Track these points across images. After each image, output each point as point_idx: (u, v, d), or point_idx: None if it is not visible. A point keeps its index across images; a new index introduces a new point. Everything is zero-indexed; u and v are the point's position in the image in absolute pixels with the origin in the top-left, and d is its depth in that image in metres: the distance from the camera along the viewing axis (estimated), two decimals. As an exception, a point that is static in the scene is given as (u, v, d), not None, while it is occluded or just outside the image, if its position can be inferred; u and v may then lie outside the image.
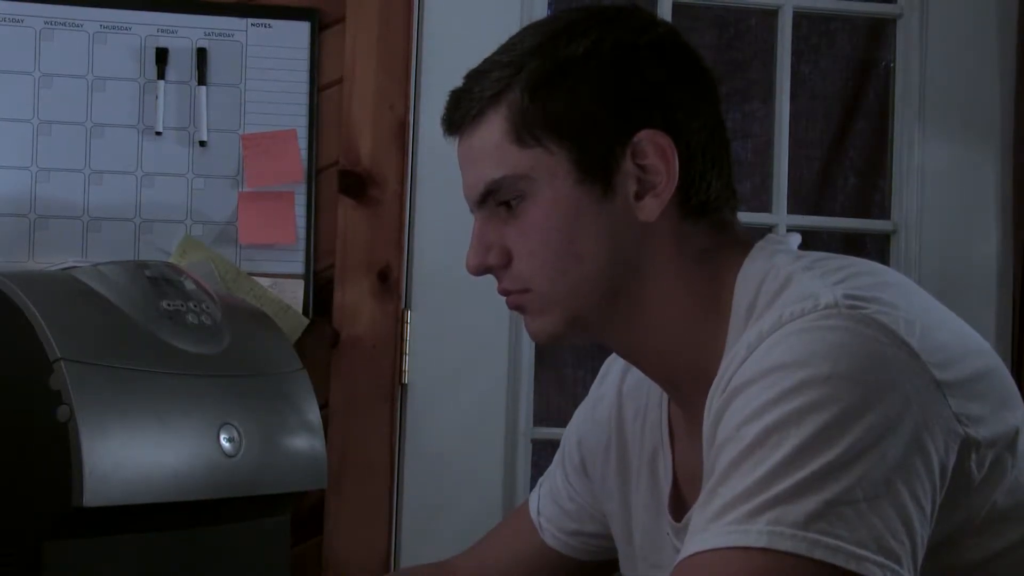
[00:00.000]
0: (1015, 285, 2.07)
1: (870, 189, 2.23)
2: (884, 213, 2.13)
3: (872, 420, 0.89)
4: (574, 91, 1.06)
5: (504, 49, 1.10)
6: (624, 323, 1.10)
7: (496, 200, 1.09)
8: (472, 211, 1.13)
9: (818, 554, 0.86)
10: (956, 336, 1.01)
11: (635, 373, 1.25)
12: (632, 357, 1.15)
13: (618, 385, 1.28)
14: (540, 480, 1.41)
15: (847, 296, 0.96)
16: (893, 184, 2.11)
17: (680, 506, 1.16)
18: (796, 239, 1.14)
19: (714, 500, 0.91)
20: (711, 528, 0.90)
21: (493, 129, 1.08)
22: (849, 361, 0.91)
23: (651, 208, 1.06)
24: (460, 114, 1.11)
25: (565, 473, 1.36)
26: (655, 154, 1.06)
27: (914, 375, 0.93)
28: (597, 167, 1.06)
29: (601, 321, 1.10)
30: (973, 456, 0.94)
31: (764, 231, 1.15)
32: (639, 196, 1.06)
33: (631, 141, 1.05)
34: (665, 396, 1.19)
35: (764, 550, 0.86)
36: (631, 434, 1.24)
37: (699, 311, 1.08)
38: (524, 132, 1.06)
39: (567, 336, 1.12)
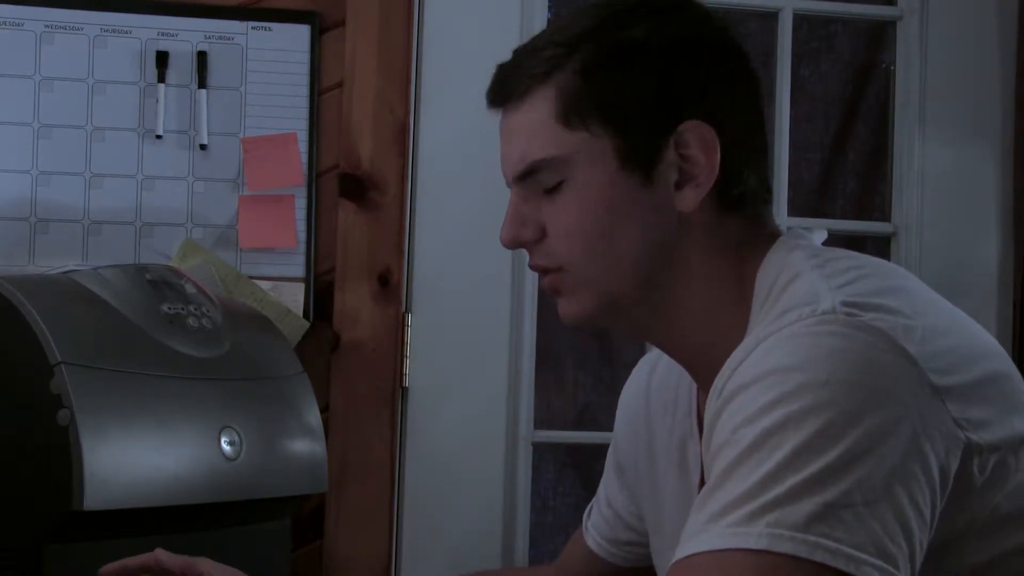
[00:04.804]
0: (1015, 287, 2.07)
1: (870, 191, 2.23)
2: (884, 215, 2.13)
3: (869, 425, 0.89)
4: (625, 78, 1.07)
5: (557, 29, 1.11)
6: (654, 312, 1.11)
7: (537, 182, 1.10)
8: (508, 184, 1.14)
9: (818, 556, 0.86)
10: (964, 340, 1.01)
11: (662, 370, 1.27)
12: (662, 346, 1.17)
13: (646, 384, 1.30)
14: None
15: (846, 303, 0.96)
16: (893, 186, 2.11)
17: None
18: (821, 236, 1.14)
19: (711, 502, 0.91)
20: (710, 529, 0.90)
21: (540, 107, 1.08)
22: (846, 366, 0.92)
23: (690, 199, 1.07)
24: (507, 89, 1.11)
25: (608, 477, 1.39)
26: (698, 145, 1.06)
27: (910, 381, 0.93)
28: (639, 155, 1.07)
29: (632, 308, 1.11)
30: (975, 461, 0.94)
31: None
32: (679, 186, 1.07)
33: (675, 131, 1.06)
34: (694, 386, 1.20)
35: (764, 552, 0.87)
36: (660, 428, 1.26)
37: (726, 304, 1.09)
38: (572, 114, 1.07)
39: (598, 319, 1.13)
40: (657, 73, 1.07)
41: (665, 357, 1.24)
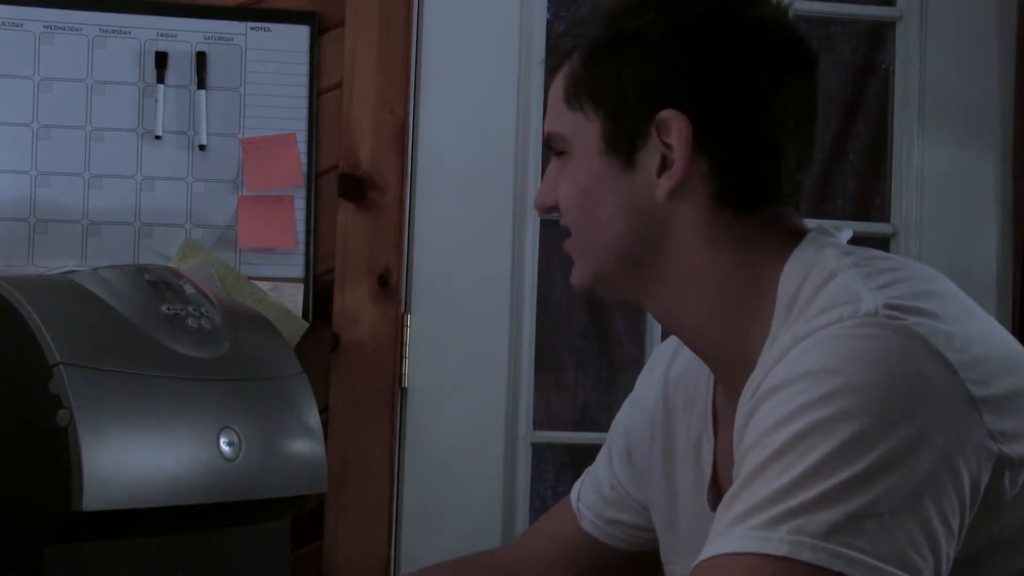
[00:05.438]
0: (1015, 288, 2.07)
1: (870, 191, 2.23)
2: (884, 216, 2.13)
3: (903, 434, 0.88)
4: (618, 66, 1.09)
5: (594, 7, 1.15)
6: (651, 294, 1.13)
7: (554, 151, 1.16)
8: None
9: (838, 566, 0.85)
10: (999, 350, 0.99)
11: (681, 362, 1.26)
12: (670, 329, 1.18)
13: (664, 373, 1.29)
14: (587, 469, 1.43)
15: (888, 305, 0.95)
16: (893, 187, 2.11)
17: (717, 495, 1.15)
18: (847, 234, 1.13)
19: (737, 503, 0.90)
20: (733, 531, 0.89)
21: (558, 84, 1.13)
22: (884, 372, 0.90)
23: (663, 187, 1.07)
24: (549, 61, 1.17)
25: (611, 461, 1.37)
26: (676, 135, 1.06)
27: (949, 390, 0.91)
28: (621, 142, 1.09)
29: (624, 286, 1.14)
30: (1007, 474, 0.93)
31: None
32: (660, 174, 1.08)
33: (656, 118, 1.07)
34: (711, 382, 1.19)
35: (784, 558, 0.86)
36: (678, 422, 1.25)
37: (736, 300, 1.08)
38: (572, 95, 1.11)
39: (595, 290, 1.16)
40: (647, 62, 1.08)
41: (683, 352, 1.24)
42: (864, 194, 2.25)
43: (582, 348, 2.21)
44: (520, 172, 1.96)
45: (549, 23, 2.01)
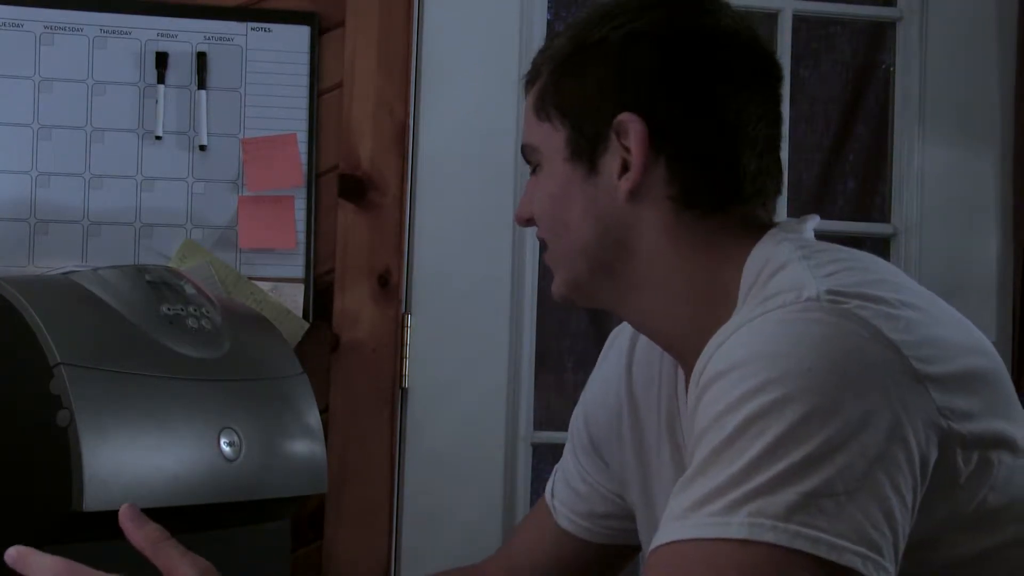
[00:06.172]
0: (1015, 288, 2.07)
1: (870, 192, 2.23)
2: (884, 216, 2.13)
3: (850, 412, 0.90)
4: (581, 76, 1.13)
5: (568, 23, 1.19)
6: (622, 298, 1.15)
7: (529, 164, 1.19)
8: None
9: (799, 545, 0.86)
10: (949, 333, 1.01)
11: (643, 344, 1.27)
12: (646, 334, 1.21)
13: (626, 358, 1.30)
14: (556, 466, 1.43)
15: (830, 291, 0.97)
16: (893, 187, 2.12)
17: None
18: (813, 221, 1.15)
19: (693, 488, 0.91)
20: (691, 517, 0.90)
21: (531, 97, 1.17)
22: (828, 354, 0.92)
23: (623, 189, 1.10)
24: (526, 76, 1.20)
25: (575, 453, 1.38)
26: (633, 137, 1.09)
27: (892, 368, 0.93)
28: (585, 148, 1.12)
29: (597, 291, 1.16)
30: (959, 452, 0.94)
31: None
32: (620, 176, 1.11)
33: (614, 121, 1.10)
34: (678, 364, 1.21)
35: (745, 542, 0.87)
36: (644, 402, 1.26)
37: (702, 299, 1.10)
38: (541, 107, 1.15)
39: (572, 298, 1.18)
40: (607, 68, 1.11)
41: (643, 336, 1.25)
42: (864, 194, 2.25)
43: (582, 348, 2.21)
44: (520, 172, 1.96)
45: (549, 23, 2.01)
